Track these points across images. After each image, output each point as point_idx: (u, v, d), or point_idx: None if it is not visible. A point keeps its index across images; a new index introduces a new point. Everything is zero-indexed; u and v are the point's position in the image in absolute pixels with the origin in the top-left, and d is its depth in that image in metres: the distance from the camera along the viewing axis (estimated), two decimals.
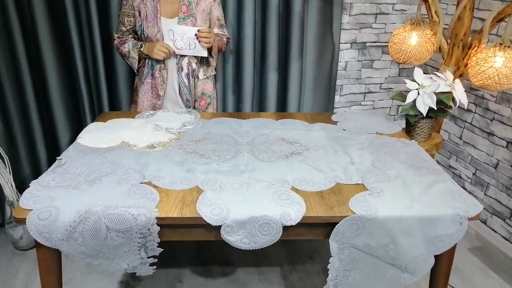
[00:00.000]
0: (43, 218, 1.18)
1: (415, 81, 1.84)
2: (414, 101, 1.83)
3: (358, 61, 2.75)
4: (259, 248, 1.24)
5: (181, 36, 1.93)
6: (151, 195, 1.29)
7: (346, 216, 1.24)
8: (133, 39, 2.02)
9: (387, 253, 1.29)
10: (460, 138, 2.62)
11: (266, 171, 1.48)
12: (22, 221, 1.18)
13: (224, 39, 2.09)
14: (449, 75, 1.77)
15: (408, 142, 1.74)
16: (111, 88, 2.33)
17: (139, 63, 2.02)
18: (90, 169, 1.44)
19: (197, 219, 1.21)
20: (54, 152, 2.27)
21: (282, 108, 2.55)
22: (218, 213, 1.22)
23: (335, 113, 2.08)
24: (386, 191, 1.36)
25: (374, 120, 1.98)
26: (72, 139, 2.23)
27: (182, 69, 2.01)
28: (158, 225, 1.20)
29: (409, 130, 1.94)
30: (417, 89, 1.82)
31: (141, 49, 1.95)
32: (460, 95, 1.76)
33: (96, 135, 1.72)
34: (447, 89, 1.75)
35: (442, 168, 1.55)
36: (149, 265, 1.26)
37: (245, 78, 2.40)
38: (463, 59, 1.87)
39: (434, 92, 1.77)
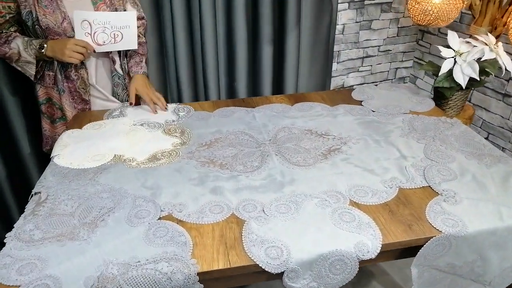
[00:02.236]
0: None
1: (449, 47, 1.59)
2: (450, 71, 1.58)
3: (356, 22, 2.45)
4: None
5: (102, 27, 1.45)
6: (179, 238, 0.97)
7: (431, 237, 1.00)
8: (20, 35, 1.44)
9: (473, 270, 1.08)
10: (469, 101, 2.44)
11: (308, 180, 1.19)
12: None
13: (142, 30, 1.69)
14: (491, 38, 1.53)
15: (451, 122, 1.51)
16: None
17: (36, 66, 1.46)
18: (84, 204, 1.09)
19: (251, 267, 0.92)
20: (15, 170, 1.84)
21: (278, 81, 2.23)
22: (276, 256, 0.93)
23: (353, 89, 1.79)
24: (460, 194, 1.13)
25: (400, 96, 1.72)
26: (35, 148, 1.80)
27: (114, 62, 1.60)
28: (200, 281, 0.90)
29: (441, 104, 1.71)
30: (453, 57, 1.57)
31: (42, 50, 1.41)
32: (506, 61, 1.52)
33: (76, 149, 1.34)
34: (492, 56, 1.51)
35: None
36: None
37: (238, 54, 2.04)
38: (502, 17, 1.62)
39: (476, 60, 1.52)
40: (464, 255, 1.04)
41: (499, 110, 2.27)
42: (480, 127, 2.42)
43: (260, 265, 0.91)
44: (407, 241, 0.99)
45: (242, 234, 0.99)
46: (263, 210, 1.06)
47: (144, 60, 1.67)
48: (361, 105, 1.66)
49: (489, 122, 2.35)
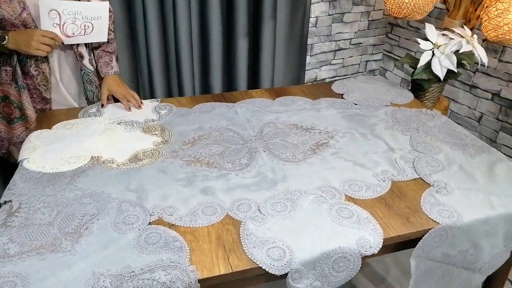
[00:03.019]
0: None
1: (427, 39, 1.61)
2: (428, 63, 1.60)
3: (328, 15, 2.44)
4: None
5: (73, 17, 1.34)
6: (174, 244, 0.91)
7: (429, 229, 0.99)
8: None
9: (465, 259, 1.09)
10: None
11: (300, 176, 1.16)
12: None
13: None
14: (467, 30, 1.56)
15: (432, 113, 1.53)
16: None
17: None
18: (63, 211, 0.99)
19: (254, 270, 0.87)
20: None
21: (254, 75, 2.19)
22: (279, 257, 0.89)
23: (333, 82, 1.78)
24: (451, 184, 1.14)
25: (380, 88, 1.72)
26: None
27: (82, 57, 1.47)
28: None
29: (418, 96, 1.73)
30: (431, 49, 1.59)
31: (3, 42, 1.28)
32: (481, 53, 1.56)
33: (47, 152, 1.23)
34: (469, 48, 1.54)
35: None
36: None
37: (213, 48, 1.97)
38: (475, 10, 1.66)
39: (454, 52, 1.55)
40: (458, 244, 1.05)
41: (466, 101, 2.35)
42: (448, 117, 2.49)
43: (263, 268, 0.86)
44: (406, 234, 0.98)
45: (240, 236, 0.94)
46: (259, 210, 1.02)
47: (114, 59, 1.56)
48: (342, 98, 1.65)
49: (457, 113, 2.42)
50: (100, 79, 1.56)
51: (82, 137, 1.30)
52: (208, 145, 1.30)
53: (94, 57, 1.54)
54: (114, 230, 0.94)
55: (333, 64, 2.65)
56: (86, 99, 1.55)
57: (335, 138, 1.35)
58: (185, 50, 1.91)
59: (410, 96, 1.66)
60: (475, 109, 2.31)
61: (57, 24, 1.33)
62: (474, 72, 2.25)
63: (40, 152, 1.22)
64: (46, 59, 1.40)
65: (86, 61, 1.49)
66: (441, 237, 1.01)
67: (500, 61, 2.11)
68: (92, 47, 1.53)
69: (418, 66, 1.61)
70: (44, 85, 1.43)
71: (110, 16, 1.51)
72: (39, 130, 1.34)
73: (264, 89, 1.71)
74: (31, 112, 1.45)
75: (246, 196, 1.07)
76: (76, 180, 1.11)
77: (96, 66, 1.54)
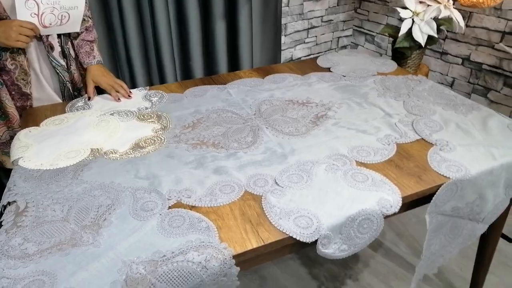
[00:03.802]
0: None
1: (406, 8, 1.64)
2: (408, 31, 1.64)
3: None
4: (359, 251, 0.97)
5: (51, 7, 1.28)
6: (200, 224, 0.89)
7: (441, 184, 1.03)
8: None
9: (472, 210, 1.15)
10: None
11: (308, 148, 1.16)
12: None
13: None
14: None
15: (418, 79, 1.58)
16: None
17: None
18: (75, 206, 0.95)
19: (284, 240, 0.88)
20: None
21: (233, 58, 2.16)
22: (307, 225, 0.90)
23: (316, 58, 1.79)
24: (452, 142, 1.18)
25: (363, 60, 1.76)
26: None
27: (52, 48, 1.39)
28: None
29: (400, 64, 1.78)
30: (411, 17, 1.63)
31: None
32: (458, 17, 1.62)
33: (42, 149, 1.17)
34: (447, 13, 1.59)
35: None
36: None
37: (191, 32, 1.93)
38: None
39: (433, 18, 1.60)
40: (466, 197, 1.10)
41: (438, 67, 2.44)
42: None
43: (294, 237, 0.87)
44: (421, 191, 1.01)
45: (264, 209, 0.94)
46: (276, 183, 1.02)
47: (95, 48, 1.49)
48: (330, 71, 1.66)
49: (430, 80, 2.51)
50: (84, 70, 1.49)
51: (76, 131, 1.24)
52: (209, 127, 1.27)
53: (73, 48, 1.47)
54: (134, 218, 0.91)
55: (307, 43, 2.67)
56: (62, 96, 1.47)
57: (333, 109, 1.37)
58: (164, 36, 1.85)
59: (394, 65, 1.70)
60: (447, 75, 2.41)
61: (35, 14, 1.25)
62: (444, 39, 2.34)
63: (34, 150, 1.16)
64: (22, 51, 1.32)
65: (56, 53, 1.40)
66: (451, 191, 1.06)
67: (467, 26, 2.20)
68: (71, 38, 1.45)
69: (399, 35, 1.65)
70: (23, 79, 1.35)
71: (85, 2, 1.44)
72: (26, 128, 1.27)
73: (252, 69, 1.70)
74: (12, 110, 1.36)
75: (260, 171, 1.07)
76: (80, 174, 1.06)
77: (78, 57, 1.47)
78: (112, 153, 1.15)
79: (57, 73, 1.41)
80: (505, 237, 1.92)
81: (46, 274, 0.78)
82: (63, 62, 1.41)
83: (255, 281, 1.75)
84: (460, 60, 2.31)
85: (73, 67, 1.45)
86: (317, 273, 1.78)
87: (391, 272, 1.78)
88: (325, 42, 2.76)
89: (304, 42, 2.64)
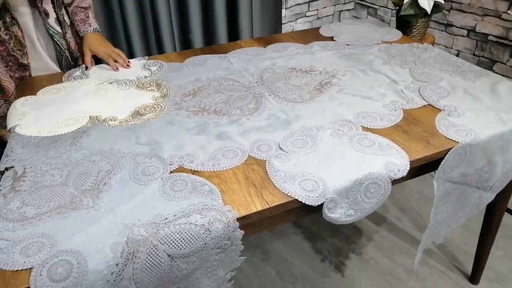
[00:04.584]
0: (61, 277, 0.69)
1: None
2: None
3: None
4: (365, 216, 0.95)
5: None
6: (203, 188, 0.87)
7: (450, 149, 1.00)
8: None
9: (480, 177, 1.12)
10: None
11: (313, 114, 1.13)
12: None
13: None
14: None
15: (424, 46, 1.53)
16: None
17: None
18: (74, 171, 0.92)
19: (289, 203, 0.85)
20: None
21: (233, 29, 2.11)
22: (313, 188, 0.87)
23: (319, 27, 1.74)
24: (460, 107, 1.15)
25: (367, 29, 1.71)
26: None
27: (47, 14, 1.35)
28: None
29: (405, 33, 1.73)
30: None
31: None
32: None
33: (39, 117, 1.14)
34: None
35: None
36: (228, 282, 0.88)
37: (190, 2, 1.87)
38: None
39: None
40: (475, 162, 1.07)
41: (443, 40, 2.38)
42: None
43: (299, 200, 0.84)
44: (430, 155, 0.99)
45: (268, 173, 0.91)
46: (280, 148, 0.99)
47: (90, 15, 1.45)
48: (333, 40, 1.62)
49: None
50: (80, 39, 1.44)
51: (74, 99, 1.21)
52: (210, 95, 1.24)
53: (68, 15, 1.42)
54: (135, 182, 0.89)
55: (308, 16, 2.61)
56: (58, 65, 1.43)
57: (337, 77, 1.33)
58: (162, 6, 1.80)
59: (398, 34, 1.66)
60: (451, 48, 2.36)
61: None
62: (449, 10, 2.28)
63: (31, 118, 1.13)
64: (16, 21, 1.28)
65: (51, 20, 1.36)
66: (460, 156, 1.03)
67: None
68: (64, 4, 1.40)
69: (404, 2, 1.60)
70: (19, 50, 1.31)
71: None
72: (23, 97, 1.24)
73: (253, 39, 1.65)
74: (7, 84, 1.32)
75: (263, 137, 1.04)
76: (79, 141, 1.04)
77: (73, 24, 1.42)
78: (112, 120, 1.12)
79: (54, 41, 1.37)
80: (509, 211, 1.90)
81: (45, 236, 0.75)
82: (59, 29, 1.37)
83: (257, 255, 1.74)
84: (465, 32, 2.25)
85: (68, 34, 1.40)
86: (320, 247, 1.78)
87: (395, 246, 1.77)
88: (327, 16, 2.70)
89: (305, 16, 2.58)
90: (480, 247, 1.53)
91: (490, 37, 2.15)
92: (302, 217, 0.94)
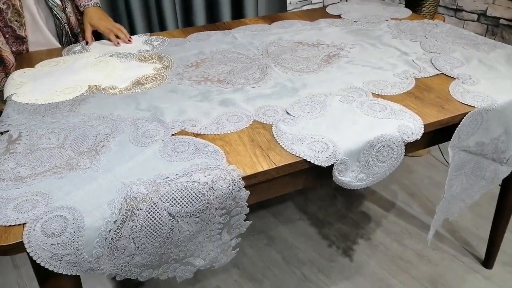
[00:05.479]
0: (56, 232, 0.65)
1: None
2: None
3: None
4: (378, 181, 0.90)
5: None
6: (206, 149, 0.82)
7: (466, 113, 0.95)
8: None
9: (497, 147, 1.07)
10: None
11: (321, 83, 1.09)
12: (14, 250, 0.64)
13: None
14: None
15: (435, 22, 1.49)
16: None
17: None
18: (71, 135, 0.88)
19: (297, 164, 0.81)
20: None
21: (237, 8, 2.06)
22: (322, 149, 0.82)
23: (326, 6, 1.70)
24: (475, 76, 1.10)
25: (376, 8, 1.66)
26: None
27: None
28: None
29: (415, 11, 1.68)
30: None
31: None
32: None
33: (37, 86, 1.10)
34: None
35: None
36: (232, 249, 0.84)
37: None
38: None
39: None
40: (492, 130, 1.02)
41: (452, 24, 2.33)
42: None
43: (308, 160, 0.80)
44: (445, 119, 0.94)
45: (275, 136, 0.87)
46: (287, 113, 0.95)
47: None
48: (341, 18, 1.58)
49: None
50: (81, 15, 1.41)
51: (73, 70, 1.17)
52: (213, 66, 1.20)
53: None
54: (134, 144, 0.85)
55: (314, 4, 2.57)
56: (58, 41, 1.40)
57: (345, 50, 1.29)
58: None
59: (408, 11, 1.61)
60: None
61: None
62: None
63: (29, 87, 1.09)
64: None
65: None
66: (476, 122, 0.98)
67: None
68: None
69: None
70: (16, 20, 1.27)
71: None
72: (21, 69, 1.20)
73: (258, 17, 1.61)
74: (7, 54, 1.29)
75: (269, 103, 0.99)
76: (77, 108, 1.00)
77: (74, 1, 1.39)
78: (111, 89, 1.08)
79: (54, 15, 1.33)
80: None
81: (40, 194, 0.71)
82: (59, 2, 1.33)
83: (262, 240, 1.69)
84: (475, 16, 2.20)
85: (68, 9, 1.37)
86: (327, 233, 1.72)
87: (404, 231, 1.72)
88: (332, 4, 2.65)
89: (311, 3, 2.54)
90: (493, 231, 1.47)
91: (501, 21, 2.09)
92: (311, 184, 0.90)
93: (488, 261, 1.53)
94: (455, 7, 2.27)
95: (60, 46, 1.39)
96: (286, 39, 1.37)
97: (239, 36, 1.41)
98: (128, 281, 1.52)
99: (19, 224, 0.66)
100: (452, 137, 0.96)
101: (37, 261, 0.63)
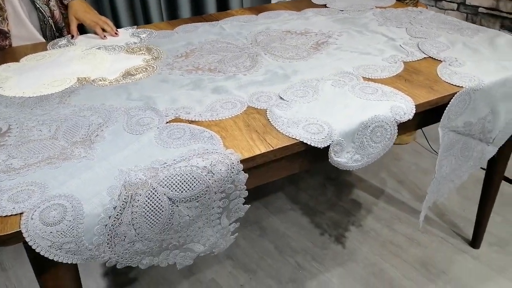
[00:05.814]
0: (54, 220, 0.64)
1: None
2: None
3: None
4: (372, 162, 0.92)
5: None
6: (203, 134, 0.82)
7: (454, 94, 0.97)
8: None
9: (484, 126, 1.10)
10: None
11: (311, 69, 1.10)
12: (13, 239, 0.63)
13: None
14: None
15: (419, 10, 1.52)
16: None
17: None
18: (63, 125, 0.87)
19: (294, 146, 0.81)
20: None
21: (223, 1, 2.05)
22: (318, 131, 0.83)
23: None
24: (461, 58, 1.13)
25: None
26: None
27: None
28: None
29: (398, 1, 1.71)
30: None
31: None
32: None
33: (23, 80, 1.07)
34: None
35: None
36: (231, 234, 0.84)
37: None
38: None
39: None
40: (479, 110, 1.05)
41: None
42: None
43: (305, 142, 0.80)
44: (434, 99, 0.96)
45: (270, 120, 0.87)
46: (281, 97, 0.95)
47: None
48: (326, 7, 1.59)
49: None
50: (65, 9, 1.38)
51: (60, 63, 1.15)
52: (203, 56, 1.19)
53: None
54: (129, 132, 0.84)
55: None
56: (42, 35, 1.37)
57: (333, 37, 1.30)
58: None
59: (392, 0, 1.64)
60: None
61: None
62: None
63: (15, 81, 1.07)
64: None
65: None
66: (464, 102, 1.00)
67: None
68: None
69: None
70: None
71: None
72: (5, 64, 1.17)
73: (244, 8, 1.61)
74: None
75: (261, 90, 1.00)
76: (67, 99, 0.98)
77: None
78: (101, 80, 1.06)
79: (37, 8, 1.31)
80: (506, 179, 1.90)
81: (35, 184, 0.70)
82: None
83: (255, 232, 1.70)
84: (455, 6, 2.25)
85: (52, 2, 1.34)
86: (319, 221, 1.74)
87: (394, 216, 1.74)
88: None
89: None
90: (480, 212, 1.51)
91: (480, 9, 2.15)
92: (306, 167, 0.90)
93: (475, 242, 1.57)
94: None
95: (44, 40, 1.36)
96: (274, 29, 1.37)
97: (227, 27, 1.41)
98: (120, 277, 1.50)
99: (15, 214, 0.64)
100: (442, 117, 0.98)
101: (37, 250, 0.62)
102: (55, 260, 0.63)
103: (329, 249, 1.61)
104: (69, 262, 0.65)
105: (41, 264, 0.70)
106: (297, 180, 1.96)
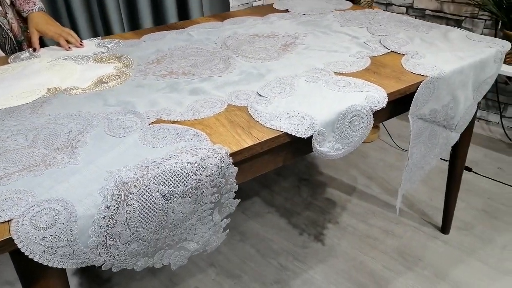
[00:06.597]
0: (47, 224, 0.61)
1: None
2: None
3: None
4: (352, 150, 0.95)
5: None
6: (188, 132, 0.82)
7: (420, 82, 1.04)
8: None
9: (447, 114, 1.17)
10: None
11: (284, 67, 1.13)
12: (4, 248, 0.60)
13: None
14: None
15: (375, 11, 1.60)
16: None
17: None
18: (40, 134, 0.84)
19: (280, 138, 0.83)
20: None
21: (183, 7, 2.06)
22: (300, 122, 0.86)
23: (272, 3, 1.76)
24: (421, 51, 1.20)
25: (319, 2, 1.77)
26: None
27: None
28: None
29: (355, 3, 1.80)
30: None
31: None
32: None
33: None
34: None
35: None
36: (223, 231, 0.84)
37: None
38: None
39: None
40: (442, 98, 1.12)
41: None
42: None
43: (289, 133, 0.83)
44: (403, 88, 1.01)
45: (252, 115, 0.89)
46: (259, 94, 0.97)
47: None
48: (289, 12, 1.64)
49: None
50: (24, 22, 1.34)
51: (27, 75, 1.11)
52: (175, 61, 1.20)
53: None
54: (112, 136, 0.82)
55: (257, 2, 2.64)
56: (1, 49, 1.32)
57: (300, 38, 1.35)
58: None
59: (349, 3, 1.72)
60: None
61: None
62: None
63: None
64: None
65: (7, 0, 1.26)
66: (429, 90, 1.07)
67: None
68: None
69: None
70: None
71: None
72: None
73: (209, 15, 1.63)
74: None
75: (239, 88, 1.01)
76: (40, 109, 0.95)
77: (15, 4, 1.32)
78: (73, 89, 1.04)
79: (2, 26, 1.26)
80: (465, 168, 2.01)
81: (20, 192, 0.67)
82: (10, 12, 1.26)
83: (234, 237, 1.69)
84: (404, 9, 2.39)
85: (9, 15, 1.30)
86: (297, 222, 1.76)
87: (368, 211, 1.80)
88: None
89: (252, 6, 2.61)
90: (447, 200, 1.60)
91: (427, 12, 2.29)
92: (290, 160, 0.92)
93: (445, 228, 1.65)
94: (386, 2, 2.46)
95: (4, 55, 1.31)
96: (242, 33, 1.40)
97: (194, 33, 1.42)
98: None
99: (3, 222, 0.61)
100: (411, 105, 1.05)
101: (30, 256, 0.60)
102: (50, 265, 0.61)
103: (309, 247, 1.63)
104: (64, 267, 0.62)
105: (30, 275, 0.67)
106: (271, 184, 1.98)
